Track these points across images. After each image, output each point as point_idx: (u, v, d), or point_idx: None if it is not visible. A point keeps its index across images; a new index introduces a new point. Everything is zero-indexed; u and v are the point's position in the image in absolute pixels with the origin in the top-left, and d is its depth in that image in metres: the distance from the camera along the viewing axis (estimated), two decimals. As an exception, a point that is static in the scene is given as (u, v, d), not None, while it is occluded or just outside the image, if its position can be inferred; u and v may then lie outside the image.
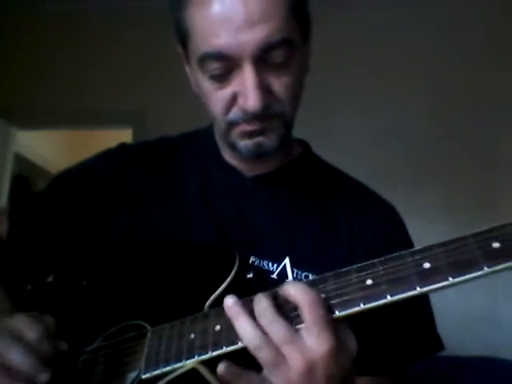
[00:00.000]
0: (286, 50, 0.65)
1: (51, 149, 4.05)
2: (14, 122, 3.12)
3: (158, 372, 0.56)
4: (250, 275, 0.68)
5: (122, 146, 0.88)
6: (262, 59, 0.64)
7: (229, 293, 0.59)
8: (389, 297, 0.48)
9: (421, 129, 2.72)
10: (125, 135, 2.94)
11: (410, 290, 0.48)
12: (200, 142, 0.86)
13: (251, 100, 0.64)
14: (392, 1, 2.81)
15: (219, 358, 0.53)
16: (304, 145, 0.86)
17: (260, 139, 0.70)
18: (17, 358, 0.56)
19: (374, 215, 0.78)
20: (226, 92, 0.67)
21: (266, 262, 0.72)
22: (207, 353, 0.53)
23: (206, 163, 0.83)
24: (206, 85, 0.69)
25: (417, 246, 0.79)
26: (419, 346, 0.73)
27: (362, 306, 0.49)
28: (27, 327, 0.58)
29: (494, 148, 2.69)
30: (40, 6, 3.11)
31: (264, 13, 0.62)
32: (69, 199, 0.82)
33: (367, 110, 2.76)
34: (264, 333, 0.49)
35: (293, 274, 0.72)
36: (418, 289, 0.48)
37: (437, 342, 0.74)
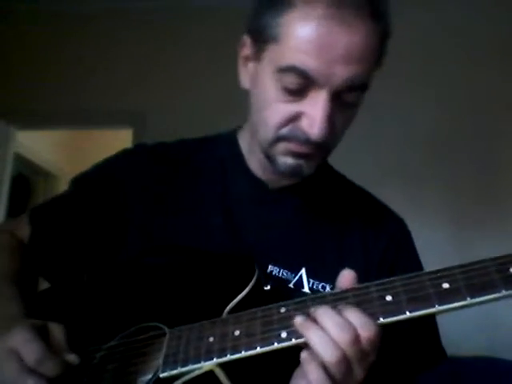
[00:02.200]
0: (361, 93, 0.68)
1: (51, 149, 4.05)
2: (14, 122, 3.12)
3: (175, 372, 0.57)
4: (268, 287, 0.69)
5: (141, 146, 0.88)
6: (338, 94, 0.66)
7: (246, 302, 0.62)
8: (408, 313, 0.50)
9: (422, 131, 2.72)
10: (125, 135, 2.95)
11: (428, 308, 0.50)
12: (220, 148, 0.85)
13: (318, 129, 0.65)
14: (394, 1, 2.81)
15: (236, 363, 0.55)
16: None
17: (301, 162, 0.70)
18: None
19: (385, 228, 0.80)
20: (291, 108, 0.67)
21: (285, 271, 0.74)
22: (226, 356, 0.55)
23: (226, 170, 0.82)
24: (272, 92, 0.68)
25: (420, 249, 0.81)
26: (426, 358, 0.75)
27: (381, 320, 0.51)
28: (25, 348, 0.56)
29: (495, 150, 2.69)
30: (40, 6, 3.11)
31: (361, 55, 0.64)
32: (90, 202, 0.82)
33: (368, 111, 2.76)
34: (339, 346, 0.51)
35: (309, 284, 0.73)
36: (437, 307, 0.50)
37: (441, 353, 0.77)
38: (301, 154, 0.70)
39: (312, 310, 0.53)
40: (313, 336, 0.51)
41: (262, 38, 0.69)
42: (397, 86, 2.76)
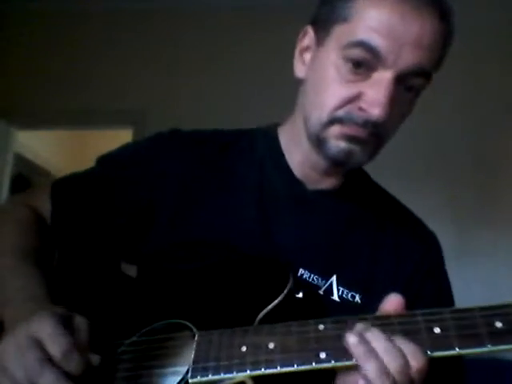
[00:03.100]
0: (423, 83, 0.68)
1: (51, 149, 4.05)
2: (14, 122, 3.12)
3: (205, 379, 0.56)
4: (300, 295, 0.68)
5: (176, 132, 0.83)
6: (401, 81, 0.65)
7: (279, 310, 0.61)
8: (457, 349, 0.49)
9: (422, 130, 2.71)
10: (125, 135, 2.94)
11: (480, 347, 0.48)
12: (258, 142, 0.82)
13: (380, 108, 0.64)
14: None
15: (268, 376, 0.54)
16: None
17: (355, 148, 0.69)
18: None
19: (418, 243, 0.79)
20: (351, 89, 0.66)
21: (315, 276, 0.72)
22: (260, 369, 0.54)
23: (264, 165, 0.79)
24: (332, 72, 0.68)
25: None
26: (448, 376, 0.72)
27: (428, 353, 0.50)
28: (51, 340, 0.53)
29: (496, 150, 2.69)
30: (40, 5, 3.11)
31: (429, 44, 0.65)
32: (118, 184, 0.79)
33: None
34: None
35: (338, 292, 0.72)
36: (490, 347, 0.48)
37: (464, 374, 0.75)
38: (355, 138, 0.68)
39: (364, 332, 0.52)
40: (367, 362, 0.50)
41: (330, 21, 0.69)
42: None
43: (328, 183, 0.78)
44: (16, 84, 3.11)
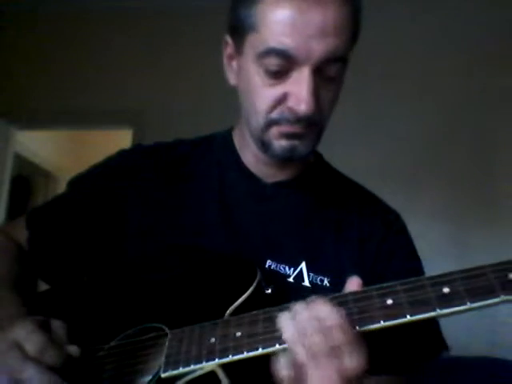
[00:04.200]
0: (341, 67, 0.70)
1: (51, 149, 4.06)
2: (14, 121, 3.12)
3: (177, 372, 0.57)
4: (269, 291, 0.70)
5: (138, 147, 0.89)
6: (320, 70, 0.68)
7: (248, 304, 0.63)
8: (408, 316, 0.52)
9: (420, 129, 2.72)
10: (125, 135, 2.95)
11: (429, 312, 0.51)
12: (216, 145, 0.87)
13: (305, 104, 0.67)
14: (394, 0, 2.82)
15: (236, 365, 0.55)
16: (316, 153, 0.88)
17: (296, 143, 0.72)
18: (34, 378, 0.55)
19: (380, 220, 0.81)
20: (276, 90, 0.69)
21: (282, 265, 0.75)
22: (227, 356, 0.55)
23: (223, 167, 0.84)
24: (256, 79, 0.70)
25: (419, 249, 0.81)
26: (425, 348, 0.75)
27: (382, 323, 0.52)
28: (27, 339, 0.57)
29: (495, 149, 2.69)
30: (40, 6, 3.11)
31: (336, 28, 0.66)
32: (87, 204, 0.83)
33: (367, 110, 2.76)
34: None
35: (309, 277, 0.75)
36: (438, 311, 0.51)
37: (442, 344, 0.77)
38: (294, 134, 0.71)
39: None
40: (286, 328, 0.53)
41: (241, 32, 0.71)
42: (396, 84, 2.76)
43: (285, 175, 0.81)
44: (16, 84, 3.11)
